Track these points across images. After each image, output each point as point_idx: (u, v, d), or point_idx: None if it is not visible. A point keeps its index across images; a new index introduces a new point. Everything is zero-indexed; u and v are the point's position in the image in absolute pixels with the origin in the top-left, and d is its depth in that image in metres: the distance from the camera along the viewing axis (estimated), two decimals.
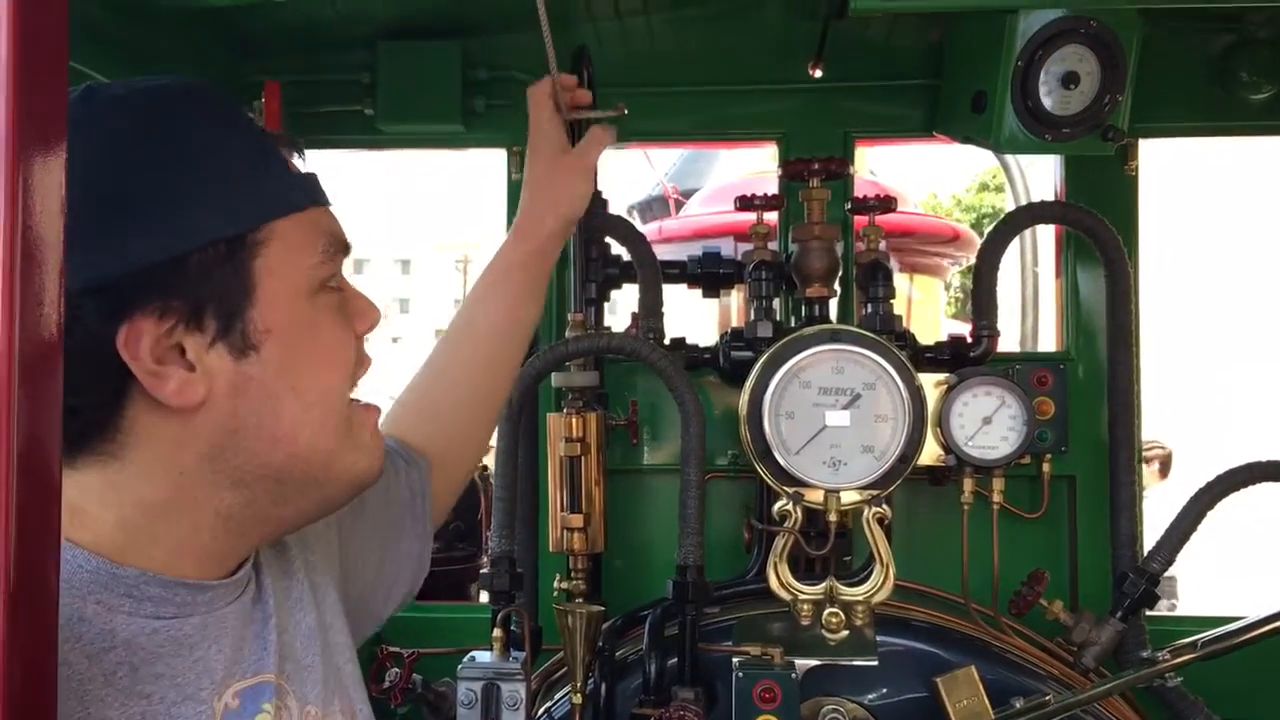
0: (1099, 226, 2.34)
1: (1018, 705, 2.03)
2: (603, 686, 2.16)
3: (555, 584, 2.25)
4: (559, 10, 2.38)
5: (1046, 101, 2.22)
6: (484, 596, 2.25)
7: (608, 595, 2.39)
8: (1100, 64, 2.21)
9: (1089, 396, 2.46)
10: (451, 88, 2.53)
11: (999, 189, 17.48)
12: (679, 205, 4.59)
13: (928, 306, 4.07)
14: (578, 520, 2.19)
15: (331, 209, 1.07)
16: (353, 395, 1.10)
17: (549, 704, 2.26)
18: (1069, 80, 2.21)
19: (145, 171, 0.91)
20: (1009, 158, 4.36)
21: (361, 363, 1.08)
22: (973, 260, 4.18)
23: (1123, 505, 2.34)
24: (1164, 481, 7.43)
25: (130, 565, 0.96)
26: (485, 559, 3.63)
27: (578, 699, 2.12)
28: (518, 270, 1.72)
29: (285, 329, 0.98)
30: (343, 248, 1.06)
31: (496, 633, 2.10)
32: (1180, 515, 2.24)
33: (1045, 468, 2.38)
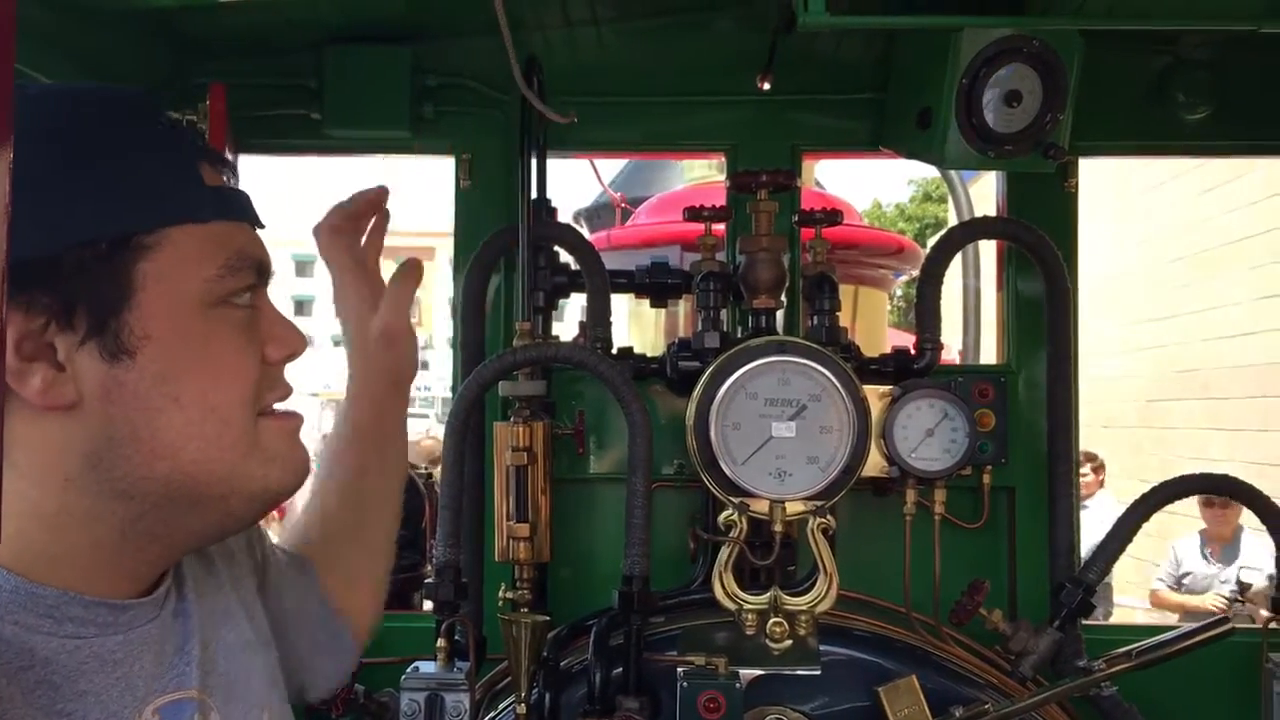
0: (1040, 242, 2.39)
1: (957, 714, 2.06)
2: (547, 696, 2.16)
3: (500, 593, 2.25)
4: (509, 18, 2.38)
5: (990, 119, 2.25)
6: (428, 605, 2.24)
7: (553, 605, 2.39)
8: (1042, 83, 2.24)
9: (1028, 409, 2.50)
10: (399, 93, 2.51)
11: (941, 199, 17.73)
12: (626, 214, 4.60)
13: (872, 318, 4.12)
14: (524, 530, 2.19)
15: (252, 229, 1.04)
16: (277, 405, 1.07)
17: (493, 714, 2.25)
18: (1012, 98, 2.24)
19: (31, 164, 0.86)
20: (953, 171, 4.43)
21: (275, 388, 1.05)
22: (916, 272, 4.23)
23: (1061, 516, 2.38)
24: (1102, 489, 7.58)
25: (46, 583, 0.94)
26: (429, 568, 3.62)
27: (522, 709, 2.11)
28: (357, 444, 1.53)
29: (168, 338, 0.94)
30: (255, 268, 1.02)
31: (441, 643, 2.10)
32: (1116, 526, 2.29)
33: (985, 479, 2.41)
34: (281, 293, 61.40)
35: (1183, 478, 2.31)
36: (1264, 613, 2.51)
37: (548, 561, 2.28)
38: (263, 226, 1.07)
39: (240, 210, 1.03)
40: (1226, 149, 2.82)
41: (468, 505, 2.29)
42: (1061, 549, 2.37)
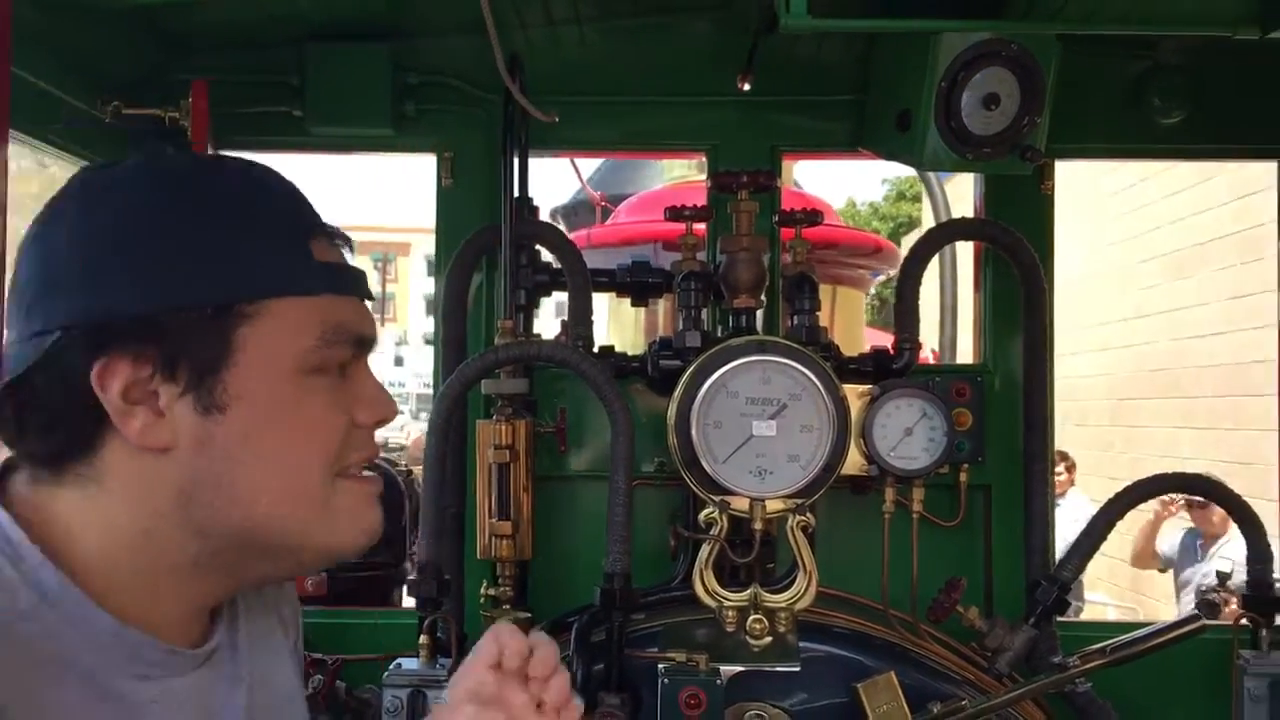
0: (1017, 244, 2.42)
1: (935, 710, 2.08)
2: None
3: (482, 590, 2.26)
4: (496, 14, 2.39)
5: (968, 121, 2.27)
6: (408, 602, 2.25)
7: (533, 601, 2.40)
8: (1020, 86, 2.27)
9: (1004, 408, 2.53)
10: (381, 91, 2.52)
11: (915, 198, 17.82)
12: (606, 213, 4.61)
13: (850, 318, 4.15)
14: (506, 527, 2.20)
15: (360, 302, 1.10)
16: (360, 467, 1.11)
17: None
18: (990, 101, 2.27)
19: (152, 224, 0.98)
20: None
21: (360, 449, 1.09)
22: (893, 272, 4.25)
23: (1036, 515, 2.41)
24: (1074, 488, 7.64)
25: (111, 604, 1.00)
26: (409, 565, 3.62)
27: None
28: None
29: (259, 399, 1.01)
30: (355, 341, 1.08)
31: (423, 639, 2.11)
32: (1091, 524, 2.32)
33: (962, 477, 2.43)
34: None
35: (1156, 477, 2.34)
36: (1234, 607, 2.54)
37: (529, 559, 2.29)
38: (372, 299, 1.13)
39: (347, 285, 1.08)
40: (1200, 153, 2.86)
41: (450, 503, 2.29)
42: (1037, 547, 2.40)
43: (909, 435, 2.24)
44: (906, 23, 2.16)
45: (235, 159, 1.09)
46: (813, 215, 2.41)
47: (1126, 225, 10.61)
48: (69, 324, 0.96)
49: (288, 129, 2.53)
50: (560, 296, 2.57)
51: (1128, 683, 2.32)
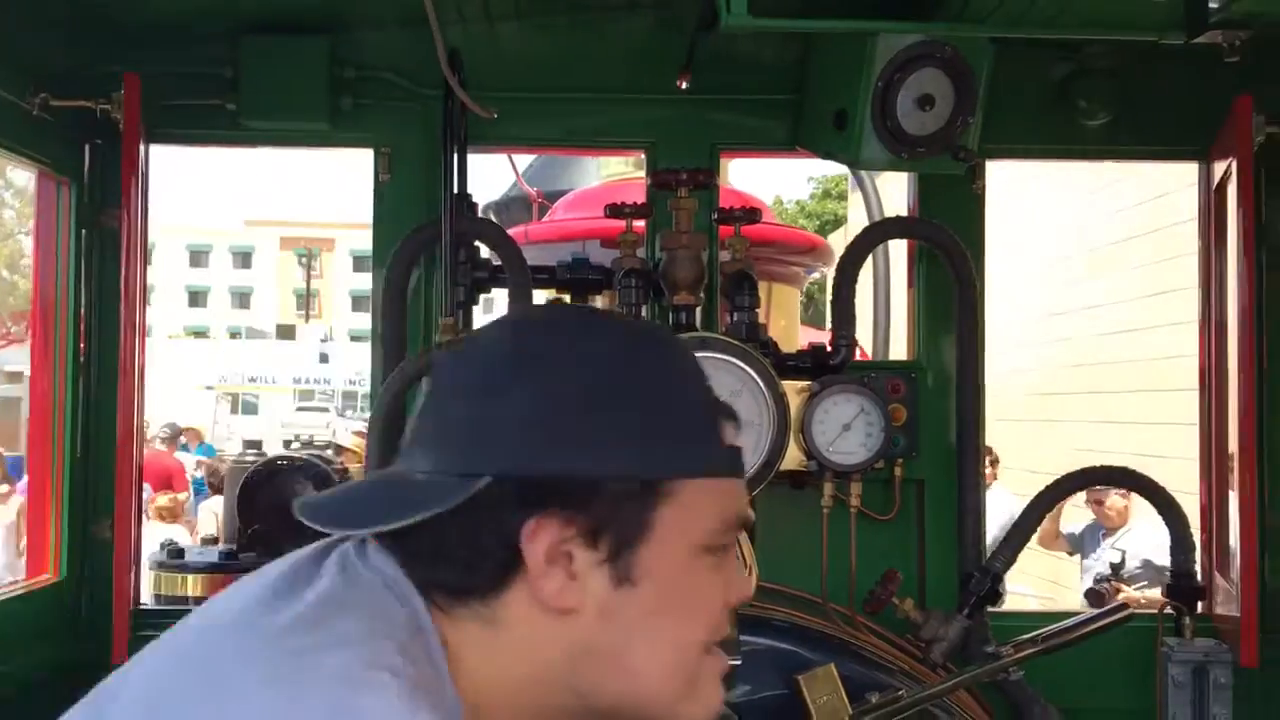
0: (950, 242, 2.46)
1: (873, 700, 2.12)
2: None
3: None
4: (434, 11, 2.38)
5: (904, 121, 2.31)
6: None
7: None
8: (953, 87, 2.32)
9: (937, 403, 2.57)
10: (317, 85, 2.49)
11: (841, 197, 18.04)
12: (544, 209, 4.61)
13: (785, 315, 4.19)
14: None
15: (743, 486, 1.12)
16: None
17: None
18: (925, 102, 2.31)
19: (605, 395, 1.01)
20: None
21: (723, 628, 1.10)
22: (827, 270, 4.30)
23: (969, 508, 2.46)
24: (997, 482, 7.81)
25: None
26: None
27: None
28: None
29: (665, 577, 1.03)
30: (743, 523, 1.10)
31: None
32: (1022, 517, 2.38)
33: (897, 472, 2.48)
34: (175, 282, 60.06)
35: (1084, 470, 2.41)
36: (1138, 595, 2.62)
37: None
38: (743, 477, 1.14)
39: (741, 467, 1.10)
40: (1125, 154, 2.95)
41: None
42: (970, 539, 2.45)
43: (847, 431, 2.28)
44: (845, 23, 2.19)
45: (650, 328, 1.10)
46: (751, 213, 2.44)
47: (1047, 222, 10.84)
48: (506, 474, 0.97)
49: (221, 122, 2.50)
50: (496, 293, 2.57)
51: (1055, 670, 2.37)
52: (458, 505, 0.96)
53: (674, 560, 1.02)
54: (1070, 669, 2.40)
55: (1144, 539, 6.29)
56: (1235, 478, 2.40)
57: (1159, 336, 9.27)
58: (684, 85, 2.58)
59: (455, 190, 2.42)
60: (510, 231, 2.88)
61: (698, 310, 2.40)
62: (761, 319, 2.48)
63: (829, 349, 2.42)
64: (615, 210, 2.39)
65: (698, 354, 2.18)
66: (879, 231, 2.53)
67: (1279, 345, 2.44)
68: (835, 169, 18.92)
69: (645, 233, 2.57)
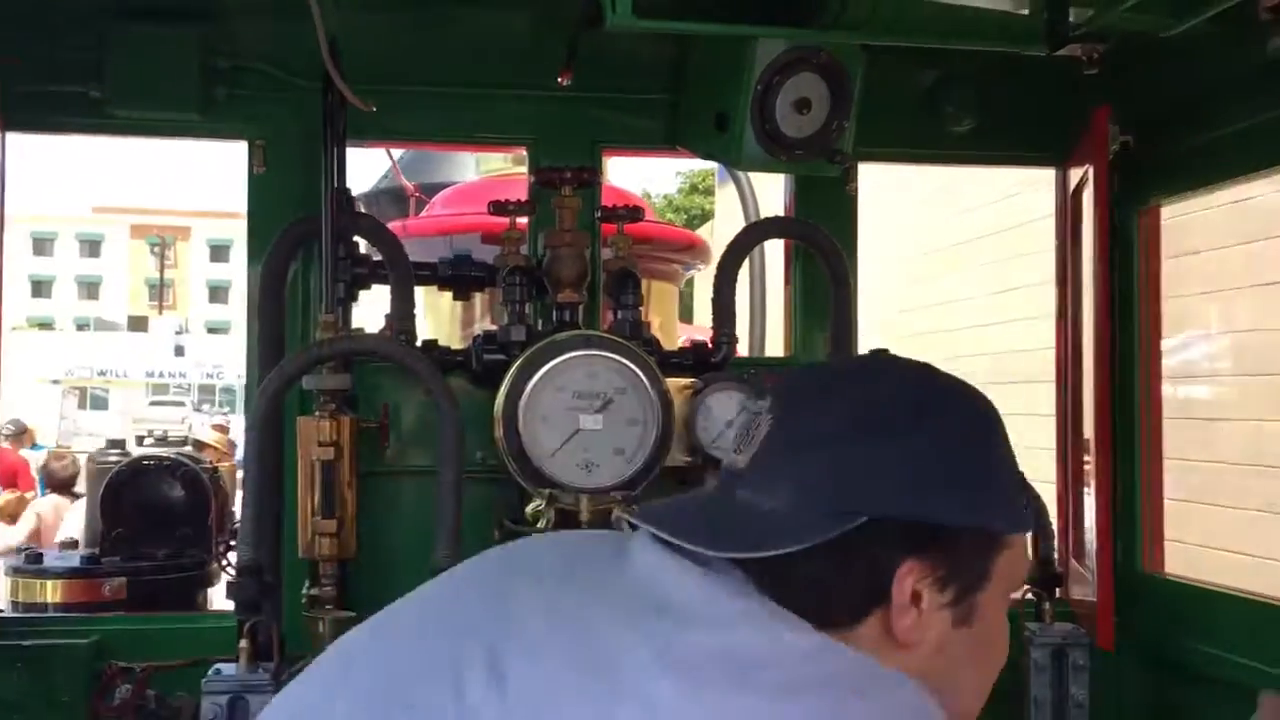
0: (826, 242, 2.53)
1: None
2: None
3: (303, 591, 2.21)
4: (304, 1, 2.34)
5: (782, 124, 2.37)
6: (222, 605, 2.18)
7: (352, 600, 2.36)
8: (829, 92, 2.39)
9: None
10: (189, 74, 2.43)
11: (708, 192, 18.24)
12: (420, 203, 4.55)
13: (664, 312, 4.23)
14: (330, 525, 2.16)
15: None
16: None
17: None
18: (802, 106, 2.38)
19: (976, 451, 1.10)
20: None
21: None
22: (703, 267, 4.36)
23: None
24: None
25: None
26: (217, 565, 3.49)
27: None
28: None
29: (989, 618, 1.11)
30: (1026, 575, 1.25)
31: (243, 644, 2.05)
32: None
33: None
34: (18, 271, 57.19)
35: None
36: None
37: (353, 557, 2.26)
38: None
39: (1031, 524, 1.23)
40: (989, 159, 3.07)
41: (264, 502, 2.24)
42: None
43: (730, 427, 2.32)
44: (727, 27, 2.23)
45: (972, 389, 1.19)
46: (635, 211, 2.46)
47: (906, 219, 11.17)
48: (887, 515, 1.03)
49: (88, 110, 2.41)
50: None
51: None
52: (830, 540, 1.01)
53: (997, 605, 1.13)
54: None
55: None
56: (1091, 468, 2.52)
57: (1009, 331, 9.65)
58: (565, 82, 2.59)
59: (335, 184, 2.38)
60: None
61: (580, 308, 2.41)
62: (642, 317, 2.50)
63: (710, 346, 2.46)
64: (499, 207, 2.39)
65: (582, 352, 2.21)
66: (758, 231, 2.59)
67: (1130, 340, 2.57)
68: (702, 164, 19.11)
69: (527, 230, 2.57)
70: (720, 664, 0.94)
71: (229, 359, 41.28)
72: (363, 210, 3.47)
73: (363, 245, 2.51)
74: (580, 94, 2.59)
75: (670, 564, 1.03)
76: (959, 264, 10.37)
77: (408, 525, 2.52)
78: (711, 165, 17.78)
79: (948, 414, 1.11)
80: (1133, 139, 2.45)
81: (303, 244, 2.44)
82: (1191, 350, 6.34)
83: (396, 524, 2.52)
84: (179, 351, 42.29)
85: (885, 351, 1.66)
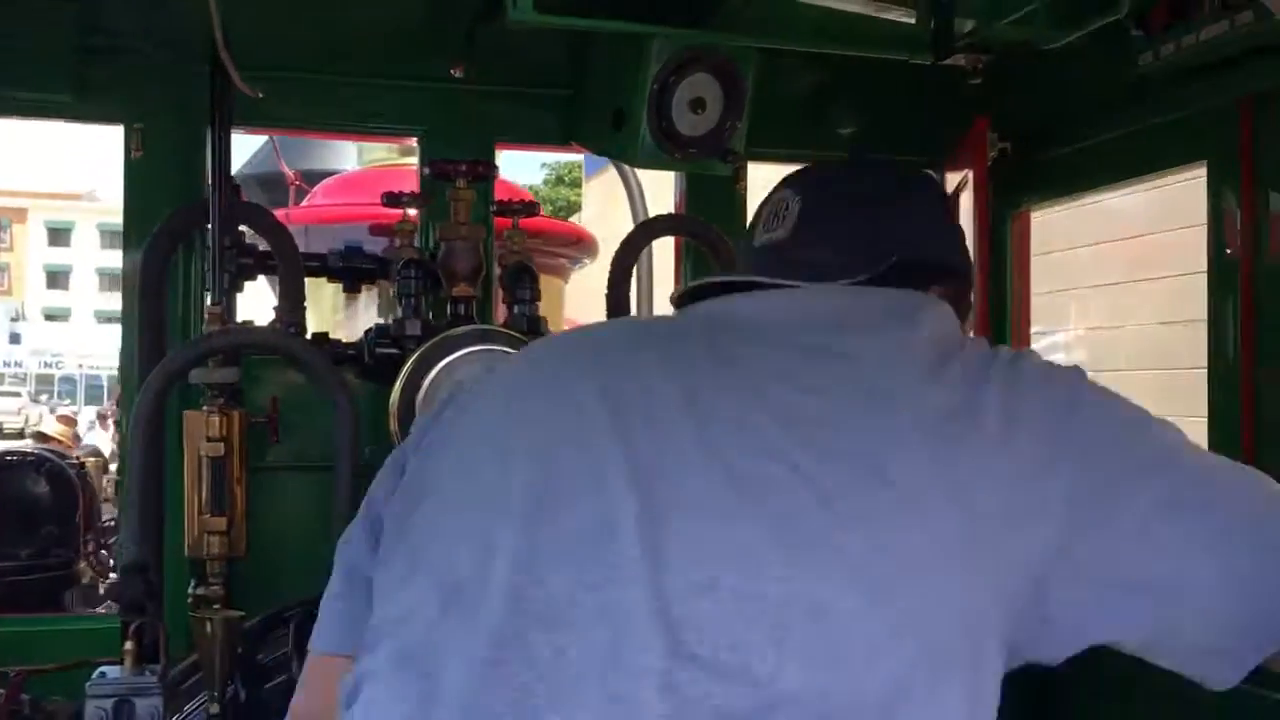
0: (718, 239, 2.57)
1: None
2: (243, 692, 2.09)
3: (190, 590, 2.15)
4: None
5: (677, 123, 2.40)
6: (101, 607, 2.11)
7: (239, 600, 2.31)
8: (724, 92, 2.42)
9: None
10: (61, 53, 2.32)
11: (574, 184, 18.24)
12: (300, 191, 4.44)
13: (552, 306, 4.23)
14: (220, 523, 2.11)
15: None
16: None
17: (177, 716, 2.15)
18: (697, 105, 2.41)
19: (951, 216, 1.46)
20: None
21: None
22: (589, 261, 4.37)
23: None
24: None
25: None
26: (86, 564, 3.36)
27: (215, 708, 2.04)
28: None
29: None
30: None
31: (129, 645, 1.98)
32: None
33: None
34: None
35: None
36: None
37: (242, 555, 2.20)
38: None
39: None
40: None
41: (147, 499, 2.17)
42: None
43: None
44: (628, 25, 2.24)
45: None
46: (530, 206, 2.46)
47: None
48: (910, 257, 1.21)
49: None
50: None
51: None
52: (874, 276, 1.19)
53: None
54: None
55: None
56: None
57: None
58: (458, 74, 2.57)
59: (222, 171, 2.31)
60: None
61: (475, 302, 2.40)
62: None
63: None
64: (393, 199, 2.36)
65: (480, 347, 2.20)
66: (654, 228, 2.61)
67: (1003, 337, 2.68)
68: (569, 156, 19.10)
69: (419, 222, 2.55)
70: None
71: (69, 348, 39.49)
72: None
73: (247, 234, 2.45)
74: (475, 87, 2.57)
75: (802, 295, 1.19)
76: None
77: (294, 522, 2.47)
78: (577, 157, 17.79)
79: (926, 188, 1.43)
80: (1010, 147, 2.56)
81: (186, 232, 2.36)
82: (1043, 343, 6.63)
83: (283, 520, 2.46)
84: (14, 339, 40.31)
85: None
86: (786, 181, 1.34)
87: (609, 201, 16.15)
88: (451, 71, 2.55)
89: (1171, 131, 2.25)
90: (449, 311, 2.37)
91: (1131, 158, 2.38)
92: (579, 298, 4.89)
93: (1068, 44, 2.12)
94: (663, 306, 3.57)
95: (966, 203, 2.70)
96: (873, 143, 2.81)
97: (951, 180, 2.83)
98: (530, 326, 2.33)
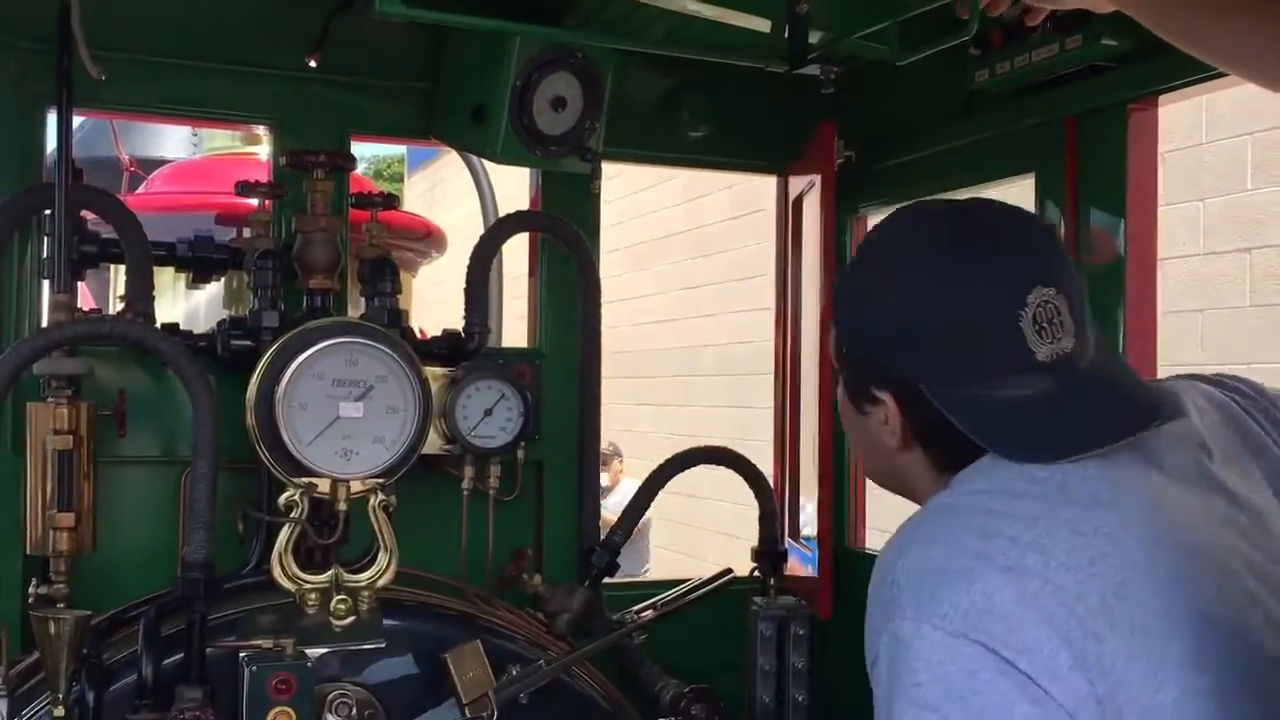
0: (574, 236, 2.61)
1: (514, 672, 2.22)
2: (89, 694, 2.02)
3: (31, 589, 2.06)
4: None
5: (539, 120, 2.43)
6: None
7: (82, 598, 2.21)
8: (584, 92, 2.47)
9: (556, 389, 2.70)
10: None
11: (394, 178, 17.96)
12: (135, 178, 4.23)
13: (404, 301, 4.17)
14: (68, 519, 2.03)
15: None
16: None
17: (20, 719, 2.06)
18: (558, 104, 2.44)
19: None
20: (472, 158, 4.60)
21: None
22: (438, 256, 4.34)
23: (588, 487, 2.63)
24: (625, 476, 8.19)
25: None
26: None
27: (60, 711, 1.96)
28: None
29: None
30: None
31: None
32: (637, 495, 2.57)
33: (520, 454, 2.57)
34: None
35: (689, 451, 2.65)
36: None
37: (90, 552, 2.12)
38: None
39: None
40: (719, 164, 3.25)
41: None
42: (589, 516, 2.61)
43: (489, 416, 2.36)
44: (495, 23, 2.26)
45: None
46: (390, 199, 2.45)
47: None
48: None
49: None
50: None
51: (659, 632, 2.59)
52: None
53: None
54: (673, 630, 2.63)
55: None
56: (814, 456, 2.74)
57: (692, 326, 10.13)
58: (314, 64, 2.53)
59: (65, 153, 2.21)
60: None
61: (332, 295, 2.37)
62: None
63: (463, 336, 2.48)
64: (248, 188, 2.31)
65: (341, 339, 2.18)
66: (511, 224, 2.62)
67: None
68: (389, 150, 18.77)
69: (273, 213, 2.49)
70: None
71: None
72: None
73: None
74: (331, 77, 2.54)
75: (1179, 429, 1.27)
76: (644, 262, 10.78)
77: (139, 517, 2.39)
78: (399, 151, 17.51)
79: None
80: (854, 154, 2.69)
81: (25, 218, 2.25)
82: None
83: (128, 516, 2.38)
84: None
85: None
86: (1016, 267, 1.24)
87: (431, 198, 15.96)
88: (308, 61, 2.51)
89: (1003, 144, 2.42)
90: (305, 304, 2.33)
91: (966, 168, 2.54)
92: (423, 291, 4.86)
93: (913, 61, 2.24)
94: (513, 305, 3.59)
95: (811, 206, 2.83)
96: (719, 146, 2.90)
97: (796, 184, 2.96)
98: (391, 319, 2.32)
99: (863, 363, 1.34)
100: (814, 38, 2.30)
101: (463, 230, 6.02)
